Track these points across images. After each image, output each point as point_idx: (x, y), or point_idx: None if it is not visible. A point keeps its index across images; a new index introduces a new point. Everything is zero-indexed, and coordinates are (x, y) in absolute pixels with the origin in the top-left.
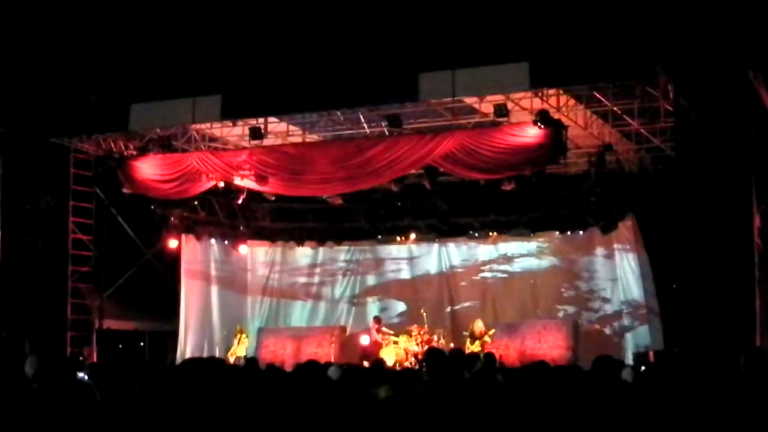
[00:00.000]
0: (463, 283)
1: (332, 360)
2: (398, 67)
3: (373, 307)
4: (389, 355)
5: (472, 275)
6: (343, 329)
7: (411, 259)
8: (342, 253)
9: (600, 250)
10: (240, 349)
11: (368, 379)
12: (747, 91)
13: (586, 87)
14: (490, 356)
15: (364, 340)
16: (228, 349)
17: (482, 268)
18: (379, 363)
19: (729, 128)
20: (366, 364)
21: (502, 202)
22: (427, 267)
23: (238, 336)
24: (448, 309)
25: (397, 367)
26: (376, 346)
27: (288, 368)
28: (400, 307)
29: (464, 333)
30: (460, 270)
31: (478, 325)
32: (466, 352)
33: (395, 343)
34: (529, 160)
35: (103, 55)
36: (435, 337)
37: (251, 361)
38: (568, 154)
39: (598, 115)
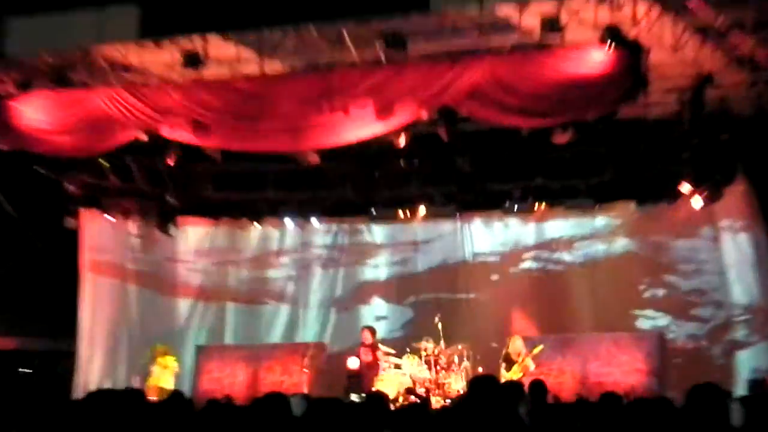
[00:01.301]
0: (494, 278)
1: (305, 391)
2: None
3: (364, 313)
4: (389, 385)
5: (508, 267)
6: (321, 347)
7: (419, 244)
8: (319, 236)
9: (698, 230)
10: (166, 377)
11: (356, 418)
12: None
13: None
14: (538, 387)
15: (353, 363)
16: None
17: (523, 256)
18: (374, 396)
19: None
20: (355, 397)
21: (554, 161)
22: (443, 255)
23: (162, 358)
24: (473, 317)
25: (401, 403)
26: (370, 371)
27: (241, 403)
28: (405, 314)
29: (493, 345)
30: (490, 259)
31: (516, 344)
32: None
33: (397, 366)
34: (593, 98)
35: None
36: (456, 359)
37: (182, 396)
38: (649, 89)
39: (695, 31)
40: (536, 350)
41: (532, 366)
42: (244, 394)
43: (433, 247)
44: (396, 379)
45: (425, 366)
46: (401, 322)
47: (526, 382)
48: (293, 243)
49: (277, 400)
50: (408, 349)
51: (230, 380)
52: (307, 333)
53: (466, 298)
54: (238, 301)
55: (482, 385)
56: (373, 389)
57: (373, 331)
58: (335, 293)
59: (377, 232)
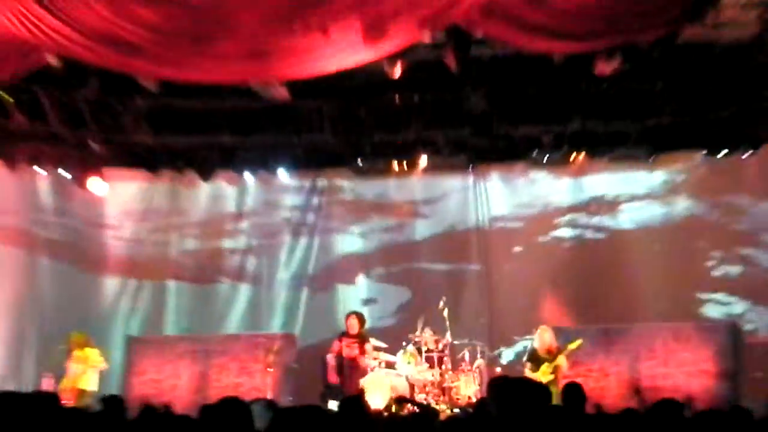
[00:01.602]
0: (517, 250)
1: (269, 396)
2: None
3: (347, 296)
4: (380, 389)
5: (535, 235)
6: (290, 339)
7: (420, 205)
8: (289, 195)
9: None
10: (86, 377)
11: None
12: None
13: None
14: (574, 392)
15: (332, 361)
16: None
17: (555, 221)
18: (357, 402)
19: None
20: (334, 405)
21: (595, 98)
22: (451, 220)
23: (81, 351)
24: (490, 301)
25: (394, 410)
26: (355, 371)
27: (184, 411)
28: (400, 296)
29: (515, 339)
30: (512, 225)
31: (546, 337)
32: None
33: (390, 366)
34: (648, 14)
35: None
36: (465, 354)
37: (111, 402)
38: (722, 4)
39: None
40: (572, 345)
41: (566, 366)
42: (190, 400)
43: (438, 209)
44: (388, 381)
45: (426, 365)
46: (395, 306)
47: (559, 385)
48: (254, 203)
49: (232, 407)
50: (404, 343)
51: (171, 382)
52: (273, 321)
53: (480, 275)
54: (183, 278)
55: (501, 390)
56: (356, 393)
57: (360, 318)
58: (309, 269)
59: (365, 190)
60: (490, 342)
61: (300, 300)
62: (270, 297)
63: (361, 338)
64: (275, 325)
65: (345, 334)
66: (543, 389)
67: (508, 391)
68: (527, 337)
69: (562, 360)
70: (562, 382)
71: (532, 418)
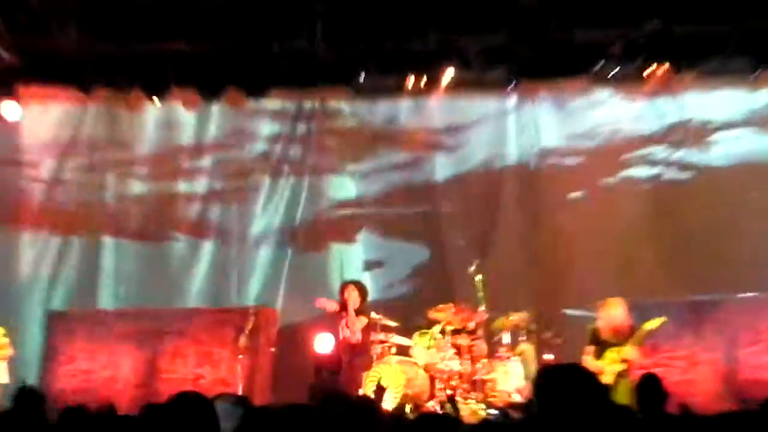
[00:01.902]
0: (574, 195)
1: (239, 391)
2: None
3: (344, 257)
4: (390, 383)
5: (597, 175)
6: (268, 315)
7: (442, 135)
8: (267, 121)
9: None
10: None
11: None
12: None
13: None
14: (652, 387)
15: (324, 345)
16: None
17: (626, 156)
18: (362, 402)
19: None
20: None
21: None
22: (484, 154)
23: None
24: (537, 264)
25: (409, 412)
26: (356, 358)
27: (126, 410)
28: (415, 257)
29: (571, 314)
30: (567, 161)
31: (615, 313)
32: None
33: (403, 351)
34: None
35: None
36: (506, 337)
37: (25, 399)
38: None
39: None
40: (650, 325)
41: (640, 353)
42: (133, 397)
43: (466, 141)
44: (401, 373)
45: (452, 350)
46: (408, 271)
47: (632, 378)
48: (220, 133)
49: (190, 407)
50: (423, 321)
51: (108, 372)
52: (246, 291)
53: (525, 230)
54: (123, 234)
55: (555, 384)
56: (360, 391)
57: (361, 288)
58: (294, 222)
59: (368, 115)
60: (539, 319)
61: (282, 263)
62: (241, 259)
63: (363, 313)
64: (249, 297)
65: (342, 310)
66: (597, 383)
67: (552, 385)
68: (589, 313)
69: (635, 345)
70: (636, 374)
71: (585, 423)
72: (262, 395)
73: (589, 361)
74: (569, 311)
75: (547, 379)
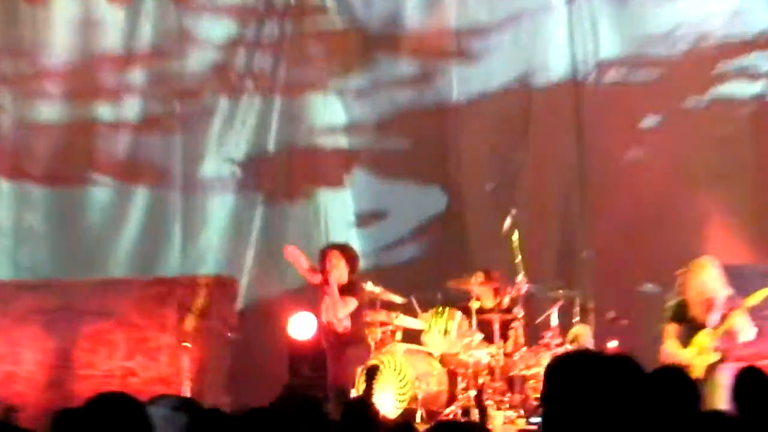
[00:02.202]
0: (648, 122)
1: (185, 392)
2: None
3: (331, 207)
4: (393, 375)
5: (678, 94)
6: (226, 288)
7: (462, 38)
8: (223, 18)
9: None
10: None
11: None
12: None
13: None
14: (755, 382)
15: (302, 328)
16: None
17: (716, 68)
18: (355, 408)
19: None
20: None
21: None
22: (520, 63)
23: None
24: (597, 214)
25: (420, 422)
26: (342, 348)
27: (30, 417)
28: (426, 206)
29: (647, 285)
30: (636, 77)
31: (706, 278)
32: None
33: (408, 337)
34: None
35: None
36: (554, 315)
37: None
38: None
39: None
40: (755, 298)
41: (743, 335)
42: (40, 399)
43: (497, 47)
44: (408, 366)
45: (480, 336)
46: (415, 225)
47: (728, 372)
48: (159, 34)
49: (117, 412)
50: (439, 295)
51: (5, 366)
52: (193, 254)
53: (579, 169)
54: (26, 176)
55: (629, 381)
56: (353, 392)
57: (349, 257)
58: (260, 157)
59: (360, 10)
60: (599, 293)
61: (244, 216)
62: (190, 209)
63: (354, 289)
64: (201, 264)
65: (324, 284)
66: (687, 380)
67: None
68: (666, 285)
69: (736, 324)
70: (733, 367)
71: None
72: (216, 397)
73: (672, 349)
74: (640, 284)
75: (623, 374)
